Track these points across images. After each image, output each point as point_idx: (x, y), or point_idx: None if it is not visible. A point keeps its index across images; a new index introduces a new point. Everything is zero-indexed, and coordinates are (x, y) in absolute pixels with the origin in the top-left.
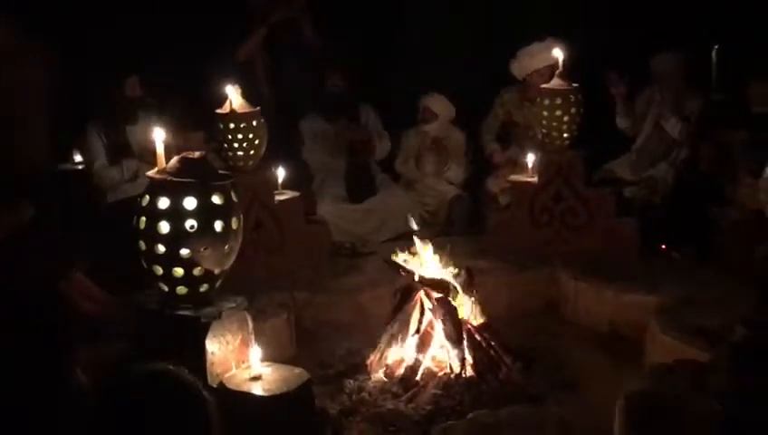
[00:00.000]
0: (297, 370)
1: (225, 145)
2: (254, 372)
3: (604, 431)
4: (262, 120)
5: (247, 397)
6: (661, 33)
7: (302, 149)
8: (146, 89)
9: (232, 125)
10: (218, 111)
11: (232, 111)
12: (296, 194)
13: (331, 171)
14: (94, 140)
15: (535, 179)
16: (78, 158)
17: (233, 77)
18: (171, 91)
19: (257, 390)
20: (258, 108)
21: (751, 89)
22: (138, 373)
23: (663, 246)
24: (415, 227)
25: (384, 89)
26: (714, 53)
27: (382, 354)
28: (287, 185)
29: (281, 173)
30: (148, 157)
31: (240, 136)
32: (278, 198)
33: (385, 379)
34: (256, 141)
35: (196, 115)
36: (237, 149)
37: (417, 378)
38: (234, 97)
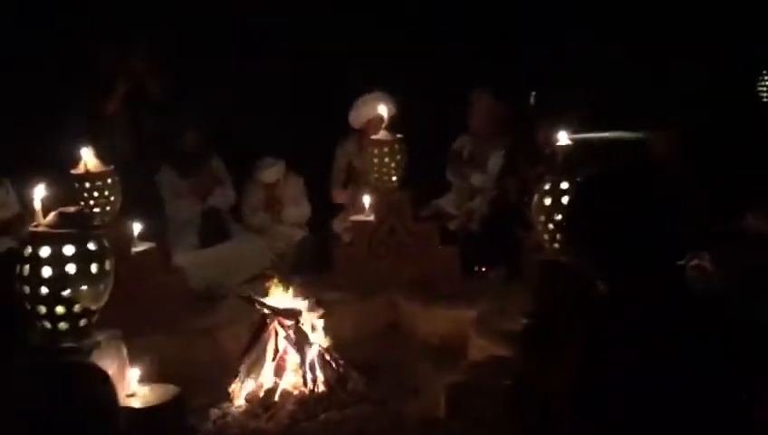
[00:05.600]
0: (170, 386)
1: (82, 203)
2: (130, 390)
3: (433, 418)
4: (116, 178)
5: (125, 410)
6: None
7: (165, 202)
8: None
9: (87, 184)
10: (73, 171)
11: (87, 171)
12: (152, 245)
13: (185, 222)
14: None
15: (372, 218)
16: None
17: (88, 135)
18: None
19: (134, 403)
20: (112, 167)
21: (539, 131)
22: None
23: (481, 269)
24: None
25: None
26: (532, 99)
27: (243, 382)
28: (144, 237)
29: (137, 227)
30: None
31: (96, 194)
32: (135, 249)
33: (247, 403)
34: (111, 198)
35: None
36: (93, 206)
37: (276, 399)
38: (88, 158)
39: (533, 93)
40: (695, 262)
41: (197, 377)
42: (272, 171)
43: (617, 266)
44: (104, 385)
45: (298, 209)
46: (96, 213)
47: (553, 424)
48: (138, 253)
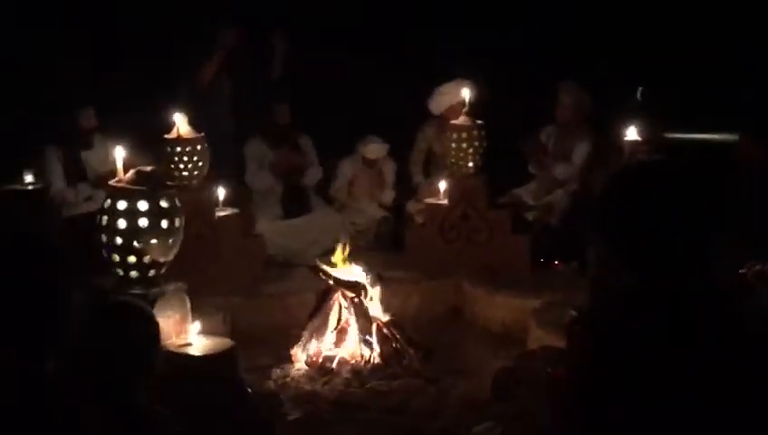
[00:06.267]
0: (227, 341)
1: (172, 166)
2: (188, 340)
3: (477, 400)
4: (205, 145)
5: (179, 356)
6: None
7: (246, 172)
8: (100, 118)
9: (178, 149)
10: (166, 136)
11: (179, 136)
12: (235, 211)
13: (270, 193)
14: (54, 163)
15: (446, 202)
16: (29, 178)
17: (190, 104)
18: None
19: (187, 351)
20: (202, 134)
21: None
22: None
23: (554, 262)
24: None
25: (324, 121)
26: (639, 94)
27: (304, 347)
28: (229, 202)
29: (222, 192)
30: (102, 180)
31: (185, 158)
32: (218, 213)
33: (306, 367)
34: (200, 163)
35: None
36: (182, 170)
37: (333, 366)
38: (180, 124)
39: (640, 89)
40: (758, 268)
41: (266, 338)
42: (376, 147)
43: (636, 263)
44: (143, 323)
45: (388, 192)
46: (184, 176)
47: (572, 421)
48: (221, 217)
